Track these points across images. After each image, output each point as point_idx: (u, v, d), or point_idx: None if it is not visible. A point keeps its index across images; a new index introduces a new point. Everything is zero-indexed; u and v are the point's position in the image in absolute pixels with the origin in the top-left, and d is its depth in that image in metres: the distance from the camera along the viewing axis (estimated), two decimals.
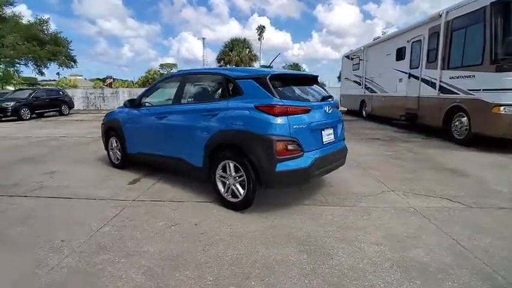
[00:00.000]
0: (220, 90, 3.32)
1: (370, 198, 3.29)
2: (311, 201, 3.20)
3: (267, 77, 2.83)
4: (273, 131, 2.64)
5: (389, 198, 3.30)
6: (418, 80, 7.82)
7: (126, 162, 4.44)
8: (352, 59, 13.24)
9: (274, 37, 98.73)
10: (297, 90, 3.17)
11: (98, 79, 53.99)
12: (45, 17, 25.54)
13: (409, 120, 8.26)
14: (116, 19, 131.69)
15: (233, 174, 2.87)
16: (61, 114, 16.13)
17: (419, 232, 2.50)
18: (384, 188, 3.62)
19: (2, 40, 21.15)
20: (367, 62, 11.56)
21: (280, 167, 2.65)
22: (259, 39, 47.20)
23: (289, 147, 2.67)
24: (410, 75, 8.29)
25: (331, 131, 3.17)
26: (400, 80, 8.84)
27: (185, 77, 3.70)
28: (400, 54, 8.96)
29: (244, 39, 38.17)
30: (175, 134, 3.47)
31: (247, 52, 37.87)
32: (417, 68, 7.92)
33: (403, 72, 8.68)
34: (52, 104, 15.52)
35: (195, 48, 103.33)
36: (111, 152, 4.68)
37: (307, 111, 2.87)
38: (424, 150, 5.88)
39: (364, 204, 3.13)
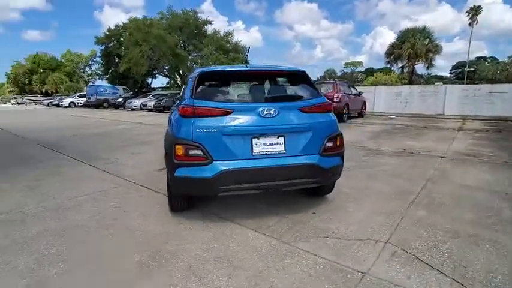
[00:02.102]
0: None
1: None
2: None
3: (196, 76, 2.77)
4: (176, 133, 2.63)
5: None
6: None
7: None
8: None
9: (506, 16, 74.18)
10: (238, 88, 2.75)
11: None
12: (239, 27, 32.47)
13: None
14: (310, 22, 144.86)
15: None
16: None
17: None
18: None
19: (201, 52, 28.93)
20: None
21: (179, 172, 2.56)
22: (470, 24, 38.55)
23: (191, 152, 2.52)
24: None
25: (274, 140, 2.63)
26: None
27: None
28: None
29: (424, 28, 32.42)
30: None
31: (426, 43, 32.00)
32: None
33: None
34: None
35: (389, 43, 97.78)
36: None
37: (225, 113, 2.56)
38: None
39: None
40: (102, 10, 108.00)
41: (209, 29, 31.50)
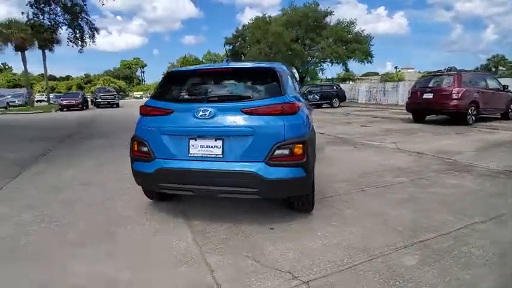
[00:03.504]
0: None
1: None
2: None
3: (163, 76, 2.83)
4: (135, 130, 2.82)
5: None
6: None
7: None
8: None
9: None
10: (195, 87, 2.82)
11: (429, 72, 53.63)
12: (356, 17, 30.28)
13: None
14: None
15: None
16: (331, 106, 19.38)
17: None
18: None
19: (317, 44, 28.46)
20: None
21: (134, 166, 2.80)
22: None
23: (141, 148, 2.70)
24: None
25: (212, 142, 2.48)
26: None
27: None
28: None
29: None
30: None
31: None
32: None
33: None
34: (323, 97, 19.05)
35: None
36: None
37: (166, 113, 2.63)
38: None
39: None
40: (243, 12, 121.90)
41: (333, 20, 30.48)
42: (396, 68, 41.46)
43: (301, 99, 3.11)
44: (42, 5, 9.01)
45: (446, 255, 2.17)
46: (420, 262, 2.09)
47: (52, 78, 62.63)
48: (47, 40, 22.29)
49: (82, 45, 10.96)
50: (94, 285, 1.97)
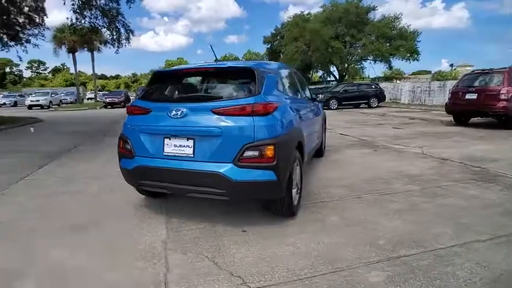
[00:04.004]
0: None
1: None
2: None
3: (151, 76, 2.89)
4: (122, 129, 2.95)
5: None
6: None
7: None
8: None
9: None
10: (176, 87, 2.87)
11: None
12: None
13: None
14: None
15: None
16: (369, 106, 18.49)
17: None
18: None
19: (357, 41, 27.31)
20: None
21: (120, 162, 2.92)
22: None
23: (125, 145, 2.81)
24: None
25: (184, 142, 2.51)
26: None
27: None
28: None
29: None
30: None
31: None
32: None
33: None
34: (359, 96, 18.26)
35: None
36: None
37: (145, 112, 2.72)
38: None
39: None
40: (287, 9, 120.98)
41: (377, 15, 29.02)
42: (452, 65, 38.14)
43: (287, 99, 3.01)
44: (84, 10, 9.88)
45: (421, 274, 1.94)
46: (387, 280, 1.90)
47: (103, 77, 68.15)
48: (90, 42, 24.29)
49: (118, 46, 11.80)
50: (49, 264, 2.13)
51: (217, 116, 2.42)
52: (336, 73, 32.37)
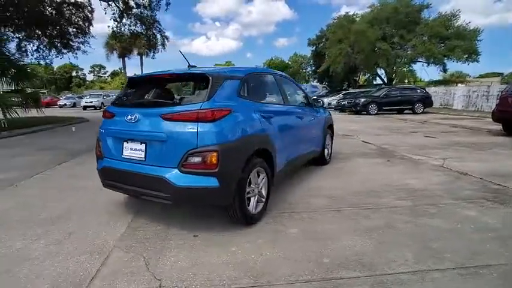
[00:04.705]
0: None
1: None
2: None
3: (127, 82, 3.13)
4: None
5: None
6: None
7: None
8: None
9: None
10: (141, 92, 3.05)
11: None
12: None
13: None
14: None
15: None
16: (413, 112, 17.20)
17: None
18: None
19: (407, 42, 25.54)
20: None
21: (97, 163, 3.07)
22: None
23: (98, 147, 2.99)
24: None
25: (138, 146, 2.65)
26: None
27: None
28: None
29: None
30: None
31: None
32: None
33: None
34: (402, 101, 17.06)
35: None
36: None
37: (111, 116, 2.92)
38: None
39: None
40: (339, 11, 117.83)
41: (432, 14, 26.93)
42: None
43: (253, 105, 2.95)
44: (122, 18, 10.87)
45: None
46: None
47: None
48: (138, 47, 26.38)
49: (154, 52, 12.67)
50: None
51: (165, 122, 2.50)
52: (384, 76, 30.64)
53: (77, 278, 2.06)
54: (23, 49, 11.86)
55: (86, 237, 2.65)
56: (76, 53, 13.50)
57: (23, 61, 9.80)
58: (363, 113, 16.96)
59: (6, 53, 9.39)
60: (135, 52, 27.88)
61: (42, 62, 12.41)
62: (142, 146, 2.62)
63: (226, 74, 2.82)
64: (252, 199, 2.80)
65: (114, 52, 28.48)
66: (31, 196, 3.74)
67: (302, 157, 4.12)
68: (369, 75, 34.16)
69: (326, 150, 5.17)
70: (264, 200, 2.97)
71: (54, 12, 11.23)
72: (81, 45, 13.11)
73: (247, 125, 2.73)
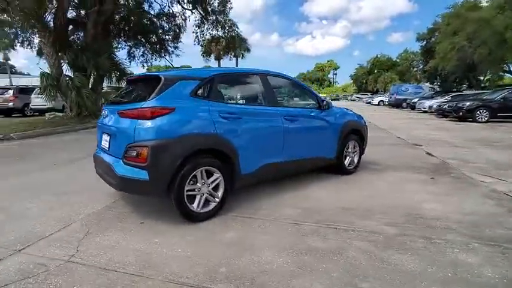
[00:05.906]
0: None
1: None
2: None
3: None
4: None
5: None
6: None
7: None
8: None
9: None
10: (122, 93, 3.50)
11: None
12: None
13: None
14: None
15: None
16: None
17: None
18: None
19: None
20: None
21: None
22: None
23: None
24: None
25: (107, 137, 3.09)
26: None
27: None
28: None
29: None
30: None
31: None
32: None
33: None
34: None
35: None
36: None
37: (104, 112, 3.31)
38: None
39: None
40: None
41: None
42: None
43: (208, 105, 2.94)
44: (203, 24, 12.13)
45: None
46: None
47: None
48: (233, 49, 28.27)
49: (235, 53, 13.64)
50: None
51: (119, 118, 2.86)
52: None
53: (35, 235, 2.59)
54: (132, 55, 14.77)
55: (71, 207, 3.24)
56: (171, 57, 15.83)
57: (126, 65, 12.13)
58: (469, 119, 13.93)
59: (115, 58, 11.84)
60: (232, 54, 30.30)
61: (145, 65, 15.11)
62: (108, 138, 3.05)
63: (183, 75, 2.94)
64: (198, 197, 2.85)
65: (212, 55, 31.66)
66: (67, 173, 4.72)
67: (298, 162, 3.83)
68: (491, 74, 27.62)
69: (349, 158, 4.63)
70: (217, 200, 2.97)
71: (153, 22, 13.54)
72: (174, 49, 15.29)
73: (192, 125, 2.78)
